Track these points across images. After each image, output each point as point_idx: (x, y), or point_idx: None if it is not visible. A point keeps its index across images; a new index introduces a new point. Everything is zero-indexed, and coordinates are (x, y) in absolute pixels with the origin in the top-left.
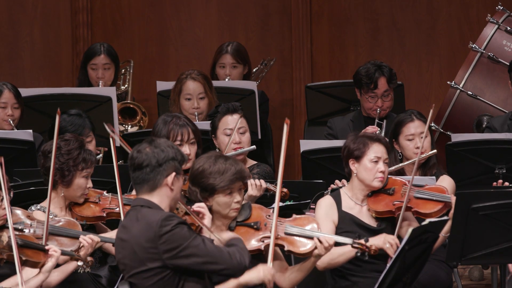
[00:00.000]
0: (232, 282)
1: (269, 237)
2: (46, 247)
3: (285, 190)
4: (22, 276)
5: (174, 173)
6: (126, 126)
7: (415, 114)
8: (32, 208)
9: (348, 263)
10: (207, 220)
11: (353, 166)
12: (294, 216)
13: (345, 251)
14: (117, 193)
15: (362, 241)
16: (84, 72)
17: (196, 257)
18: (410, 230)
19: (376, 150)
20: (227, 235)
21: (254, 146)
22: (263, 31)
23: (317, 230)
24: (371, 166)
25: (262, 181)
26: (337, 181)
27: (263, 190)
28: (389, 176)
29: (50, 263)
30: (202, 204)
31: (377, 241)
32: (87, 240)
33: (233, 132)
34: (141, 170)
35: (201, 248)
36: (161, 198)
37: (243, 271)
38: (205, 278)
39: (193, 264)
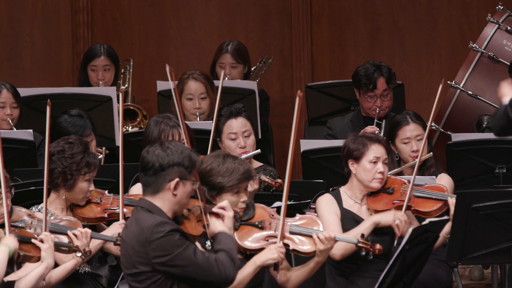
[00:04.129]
0: (249, 266)
1: (274, 236)
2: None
3: (279, 181)
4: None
5: (177, 179)
6: (127, 127)
7: (411, 116)
8: (33, 209)
9: (348, 263)
10: (228, 221)
11: (352, 166)
12: (298, 215)
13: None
14: (118, 193)
15: (367, 240)
16: (84, 72)
17: (184, 267)
18: (410, 230)
19: (375, 151)
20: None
21: (259, 150)
22: (263, 31)
23: (321, 229)
24: (370, 167)
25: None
26: None
27: (257, 182)
28: (388, 175)
29: (43, 249)
30: (225, 204)
31: (386, 217)
32: (76, 232)
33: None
34: (145, 172)
35: (191, 258)
36: (163, 202)
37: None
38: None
39: (181, 273)
